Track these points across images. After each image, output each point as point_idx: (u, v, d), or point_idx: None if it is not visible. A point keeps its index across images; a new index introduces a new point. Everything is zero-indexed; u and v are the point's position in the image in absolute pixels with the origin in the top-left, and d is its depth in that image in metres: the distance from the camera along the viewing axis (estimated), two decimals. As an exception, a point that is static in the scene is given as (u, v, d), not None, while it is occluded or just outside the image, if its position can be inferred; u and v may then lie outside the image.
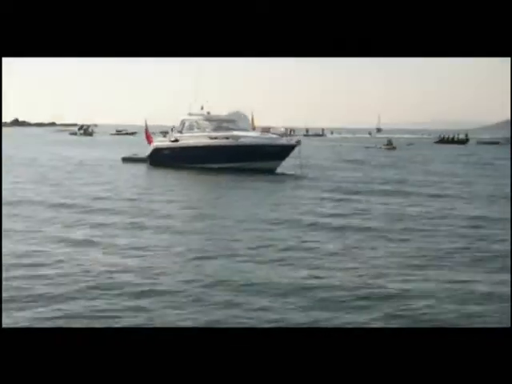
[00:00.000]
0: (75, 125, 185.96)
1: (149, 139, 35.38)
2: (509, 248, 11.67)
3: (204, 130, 32.36)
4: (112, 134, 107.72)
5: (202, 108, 33.48)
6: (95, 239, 12.73)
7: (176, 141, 32.45)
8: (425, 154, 53.79)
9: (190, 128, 32.90)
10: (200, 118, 33.06)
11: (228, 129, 32.04)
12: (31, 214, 16.07)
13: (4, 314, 6.82)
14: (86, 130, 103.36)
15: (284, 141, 31.89)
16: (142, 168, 32.26)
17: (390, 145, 62.57)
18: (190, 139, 31.76)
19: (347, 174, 30.92)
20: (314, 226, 14.91)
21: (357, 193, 22.19)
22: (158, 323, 7.32)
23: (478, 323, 7.53)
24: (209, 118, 32.87)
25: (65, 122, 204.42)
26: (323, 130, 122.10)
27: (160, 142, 34.13)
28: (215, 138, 31.03)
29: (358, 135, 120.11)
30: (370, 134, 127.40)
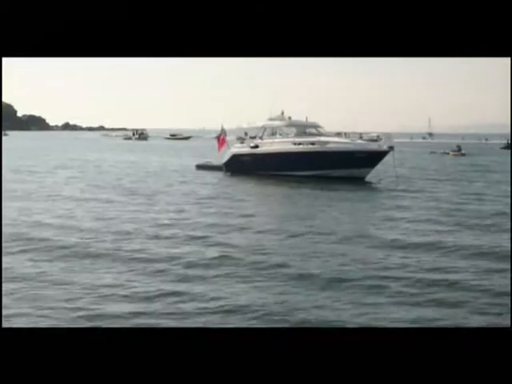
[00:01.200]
0: (124, 129, 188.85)
1: (222, 145, 34.35)
2: None
3: (287, 136, 31.04)
4: (167, 138, 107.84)
5: (282, 113, 32.13)
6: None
7: (256, 147, 31.17)
8: (501, 161, 47.26)
9: (272, 134, 31.78)
10: (282, 123, 31.72)
11: (312, 134, 30.80)
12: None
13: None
14: (140, 135, 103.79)
15: (375, 146, 30.30)
16: (220, 176, 31.14)
17: (459, 151, 60.17)
18: (272, 145, 30.40)
19: (438, 187, 26.69)
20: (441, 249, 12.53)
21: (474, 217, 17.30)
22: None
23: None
24: (291, 124, 31.42)
25: (113, 127, 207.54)
26: (378, 135, 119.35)
27: (238, 148, 32.53)
28: (300, 143, 29.66)
29: (414, 140, 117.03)
30: (424, 138, 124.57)
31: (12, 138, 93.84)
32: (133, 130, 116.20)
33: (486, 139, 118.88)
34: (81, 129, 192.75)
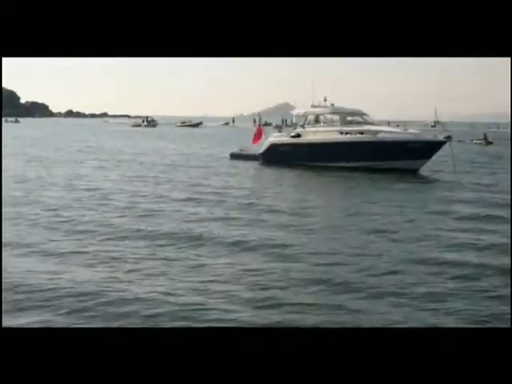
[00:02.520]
0: (127, 116, 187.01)
1: (259, 136, 32.45)
2: None
3: (332, 124, 29.02)
4: (177, 126, 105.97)
5: (325, 99, 29.75)
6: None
7: (298, 136, 29.20)
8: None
9: (315, 122, 29.80)
10: (326, 110, 29.42)
11: (359, 123, 28.90)
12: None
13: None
14: (150, 122, 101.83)
15: (431, 136, 28.09)
16: (259, 167, 29.31)
17: (485, 140, 58.21)
18: (316, 134, 28.17)
19: (484, 179, 24.44)
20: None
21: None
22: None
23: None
24: (336, 111, 29.10)
25: (116, 114, 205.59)
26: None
27: (277, 137, 30.30)
28: (347, 133, 27.73)
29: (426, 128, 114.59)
30: (433, 126, 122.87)
31: (22, 125, 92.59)
32: (137, 116, 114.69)
33: (498, 127, 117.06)
34: (84, 116, 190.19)
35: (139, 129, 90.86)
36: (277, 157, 28.99)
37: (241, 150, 34.36)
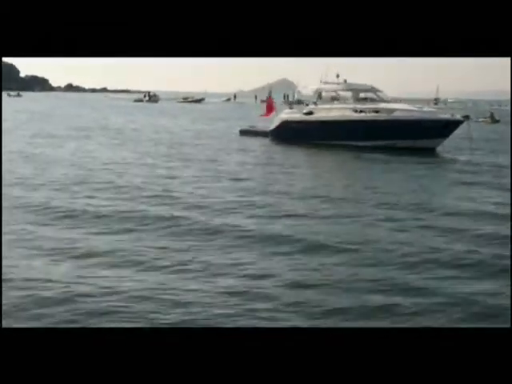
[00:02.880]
0: (127, 91, 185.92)
1: (270, 110, 32.09)
2: None
3: (345, 102, 28.39)
4: (179, 102, 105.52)
5: (337, 76, 28.99)
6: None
7: (310, 113, 28.67)
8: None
9: (329, 99, 29.34)
10: (339, 87, 28.80)
11: (372, 100, 28.53)
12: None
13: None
14: (151, 97, 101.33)
15: (448, 115, 27.44)
16: (269, 143, 29.07)
17: (492, 118, 57.89)
18: (329, 112, 27.66)
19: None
20: None
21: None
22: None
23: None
24: (350, 87, 28.42)
25: (116, 88, 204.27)
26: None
27: (288, 114, 29.71)
28: (361, 111, 27.13)
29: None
30: (435, 103, 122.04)
31: (24, 98, 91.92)
32: (137, 91, 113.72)
33: (499, 105, 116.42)
34: (84, 90, 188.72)
35: (141, 104, 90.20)
36: (288, 134, 28.47)
37: (250, 127, 34.09)
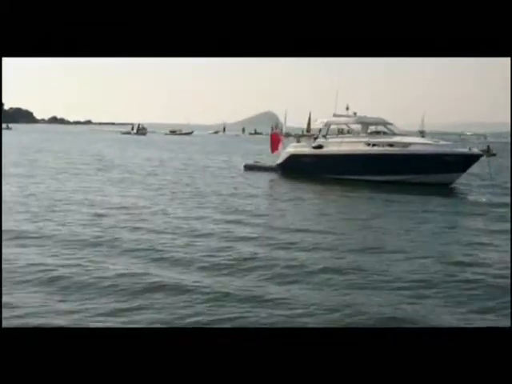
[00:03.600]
0: (112, 123, 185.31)
1: (277, 145, 31.32)
2: None
3: (356, 135, 27.58)
4: (167, 134, 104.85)
5: (347, 108, 28.15)
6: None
7: (320, 147, 28.11)
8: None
9: (339, 132, 28.59)
10: (350, 120, 28.11)
11: (384, 133, 27.78)
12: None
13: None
14: (139, 130, 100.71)
15: (466, 149, 25.78)
16: (277, 178, 28.14)
17: (489, 151, 57.49)
18: (340, 146, 26.85)
19: None
20: None
21: None
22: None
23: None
24: (361, 121, 27.65)
25: (101, 121, 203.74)
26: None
27: (296, 147, 28.79)
28: (374, 144, 26.24)
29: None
30: (422, 136, 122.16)
31: (14, 131, 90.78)
32: (122, 124, 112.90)
33: (485, 137, 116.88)
34: (68, 123, 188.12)
35: (129, 136, 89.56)
36: (297, 168, 27.56)
37: (255, 162, 33.33)
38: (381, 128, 27.74)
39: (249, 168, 31.86)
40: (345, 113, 28.44)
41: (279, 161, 29.29)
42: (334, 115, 28.61)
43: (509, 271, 9.95)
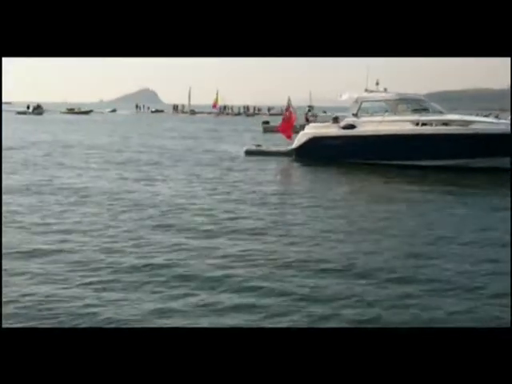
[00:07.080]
0: (8, 103, 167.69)
1: (289, 127, 26.36)
2: None
3: (396, 113, 22.55)
4: (63, 113, 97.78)
5: (377, 83, 23.94)
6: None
7: (351, 127, 23.24)
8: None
9: (373, 110, 23.24)
10: (388, 95, 23.31)
11: (434, 111, 22.70)
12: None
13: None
14: (36, 109, 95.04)
15: None
16: (296, 165, 23.35)
17: None
18: (380, 126, 22.30)
19: None
20: None
21: None
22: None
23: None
24: (402, 97, 23.13)
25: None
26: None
27: (318, 128, 24.44)
28: (424, 123, 21.63)
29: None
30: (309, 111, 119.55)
31: None
32: (21, 102, 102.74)
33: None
34: None
35: (24, 116, 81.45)
36: (320, 153, 23.16)
37: (257, 146, 27.98)
38: (425, 105, 23.40)
39: (251, 153, 26.54)
40: (378, 88, 23.95)
41: (294, 145, 24.55)
42: (366, 90, 23.98)
43: None
